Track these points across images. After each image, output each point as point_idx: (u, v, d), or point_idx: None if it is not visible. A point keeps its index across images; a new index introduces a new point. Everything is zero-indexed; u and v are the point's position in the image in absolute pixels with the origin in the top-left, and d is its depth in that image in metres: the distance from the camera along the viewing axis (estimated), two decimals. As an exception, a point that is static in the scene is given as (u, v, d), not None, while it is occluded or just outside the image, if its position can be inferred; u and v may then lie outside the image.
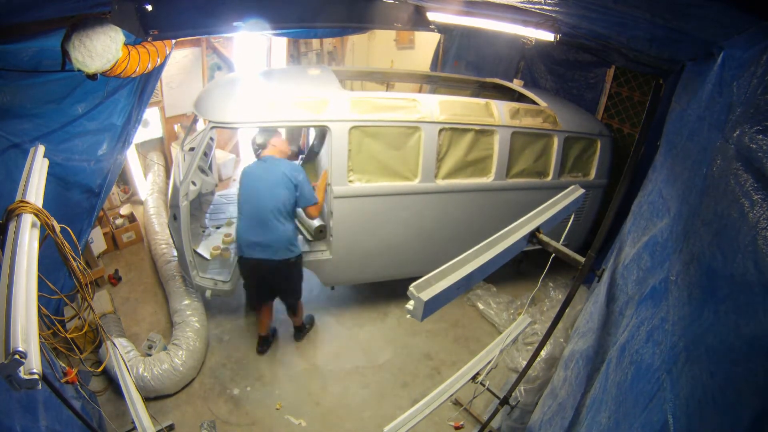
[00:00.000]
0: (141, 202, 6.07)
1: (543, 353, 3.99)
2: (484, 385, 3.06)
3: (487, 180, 4.32)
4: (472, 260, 1.80)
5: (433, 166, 4.06)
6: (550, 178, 4.58)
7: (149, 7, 2.27)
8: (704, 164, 1.42)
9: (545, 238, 2.19)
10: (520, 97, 5.18)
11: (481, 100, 4.34)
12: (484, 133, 4.17)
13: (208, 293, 4.08)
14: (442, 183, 4.16)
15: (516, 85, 5.35)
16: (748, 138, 1.05)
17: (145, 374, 3.48)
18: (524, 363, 4.02)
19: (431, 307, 1.63)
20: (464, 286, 1.76)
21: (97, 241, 4.99)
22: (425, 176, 4.06)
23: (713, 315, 1.00)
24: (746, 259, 0.90)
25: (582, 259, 2.14)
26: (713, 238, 1.14)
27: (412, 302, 1.64)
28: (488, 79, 5.71)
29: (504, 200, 4.48)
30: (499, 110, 4.23)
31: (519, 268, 5.44)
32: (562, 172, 4.65)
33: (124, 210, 5.62)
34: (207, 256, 4.39)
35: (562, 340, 4.04)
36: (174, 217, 3.94)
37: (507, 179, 4.38)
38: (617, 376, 1.65)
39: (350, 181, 3.89)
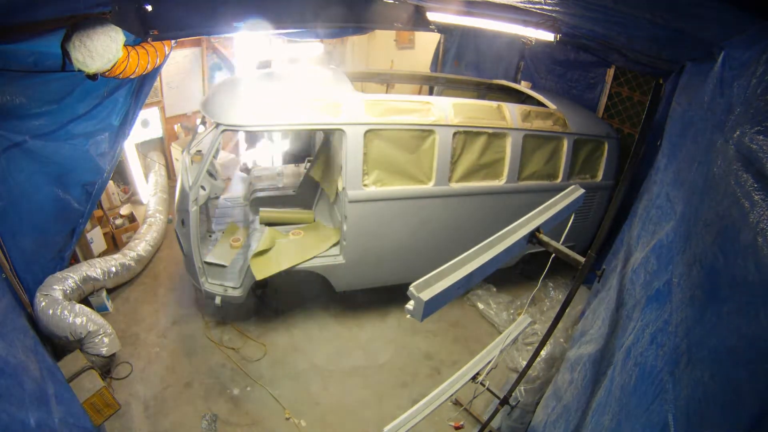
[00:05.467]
0: (141, 202, 6.07)
1: (543, 353, 3.99)
2: (484, 385, 3.06)
3: (500, 183, 4.30)
4: (472, 260, 1.80)
5: (447, 170, 4.04)
6: (559, 180, 4.57)
7: (149, 7, 2.27)
8: (705, 165, 1.42)
9: (545, 239, 2.19)
10: (527, 99, 5.15)
11: (493, 103, 4.29)
12: (497, 136, 4.12)
13: (218, 300, 3.99)
14: (455, 186, 4.14)
15: (524, 87, 5.35)
16: (748, 138, 1.05)
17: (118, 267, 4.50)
18: (524, 363, 4.02)
19: (431, 307, 1.63)
20: (464, 286, 1.76)
21: (97, 241, 4.99)
22: (439, 179, 4.03)
23: (715, 317, 1.00)
24: (747, 260, 0.90)
25: (582, 260, 2.14)
26: (714, 239, 1.13)
27: (412, 302, 1.64)
28: (495, 81, 5.68)
29: (515, 203, 4.44)
30: (511, 113, 4.20)
31: (523, 271, 5.42)
32: (571, 174, 4.63)
33: (124, 210, 5.62)
34: (223, 263, 4.35)
35: (562, 340, 4.04)
36: (182, 222, 3.83)
37: (518, 182, 4.36)
38: (622, 378, 1.65)
39: (365, 185, 3.82)
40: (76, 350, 3.58)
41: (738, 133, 1.12)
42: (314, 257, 4.13)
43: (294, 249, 4.15)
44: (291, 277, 5.15)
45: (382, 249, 4.21)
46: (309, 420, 3.63)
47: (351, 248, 4.09)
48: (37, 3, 2.40)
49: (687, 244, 1.40)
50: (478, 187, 4.26)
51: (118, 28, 2.99)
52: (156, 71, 3.94)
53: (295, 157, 6.22)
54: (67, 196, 3.94)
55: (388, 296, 4.91)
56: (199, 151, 4.43)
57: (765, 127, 0.99)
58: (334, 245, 4.28)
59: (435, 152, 3.94)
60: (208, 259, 4.32)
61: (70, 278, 3.99)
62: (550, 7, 2.80)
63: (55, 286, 3.83)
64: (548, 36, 3.85)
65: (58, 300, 3.71)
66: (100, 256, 4.81)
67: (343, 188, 3.82)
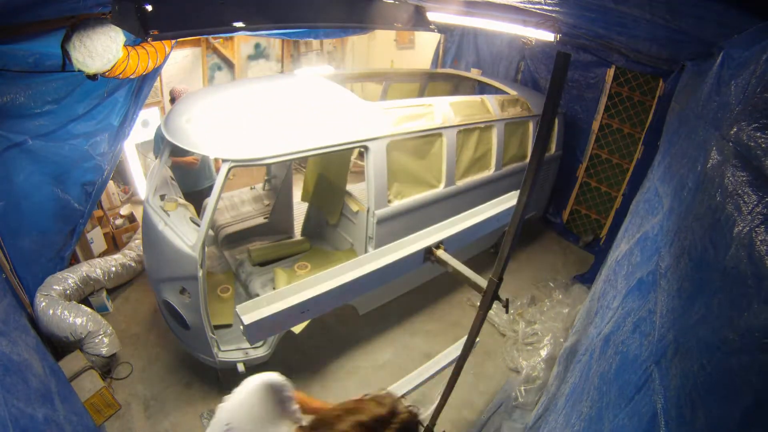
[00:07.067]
0: (141, 202, 6.08)
1: (543, 353, 4.00)
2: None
3: (490, 173, 4.52)
4: (314, 285, 1.61)
5: (453, 169, 4.09)
6: (528, 159, 4.79)
7: (149, 7, 2.27)
8: (700, 161, 1.43)
9: (444, 257, 1.87)
10: (480, 85, 5.65)
11: (477, 97, 4.46)
12: (486, 128, 4.32)
13: (241, 367, 3.43)
14: (460, 184, 4.22)
15: (474, 74, 5.70)
16: (746, 136, 1.06)
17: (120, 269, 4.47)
18: (524, 363, 4.03)
19: (261, 330, 1.51)
20: (316, 309, 1.60)
21: (97, 241, 5.00)
22: (448, 180, 4.07)
23: (704, 307, 1.01)
24: (740, 253, 0.91)
25: (484, 284, 1.83)
26: (705, 231, 1.15)
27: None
28: (439, 70, 6.03)
29: (500, 188, 4.70)
30: (492, 105, 4.43)
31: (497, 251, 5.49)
32: None
33: (124, 210, 5.62)
34: (226, 321, 3.70)
35: (562, 340, 4.04)
36: (183, 291, 3.19)
37: (502, 168, 4.65)
38: (600, 366, 1.65)
39: (389, 201, 3.68)
40: (77, 350, 3.58)
41: (736, 130, 1.13)
42: None
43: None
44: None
45: None
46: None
47: None
48: (37, 3, 2.41)
49: (675, 237, 1.41)
50: (476, 180, 4.40)
51: (118, 28, 3.00)
52: (156, 71, 3.94)
53: None
54: (67, 196, 3.95)
55: (388, 296, 4.91)
56: (164, 195, 3.55)
57: (763, 124, 1.00)
58: None
59: (443, 154, 3.95)
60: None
61: (70, 278, 3.99)
62: (550, 7, 2.81)
63: (55, 286, 3.83)
64: (548, 36, 3.85)
65: (59, 300, 3.71)
66: (100, 256, 4.82)
67: (368, 209, 3.61)
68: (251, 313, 1.51)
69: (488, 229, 2.13)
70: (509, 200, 2.19)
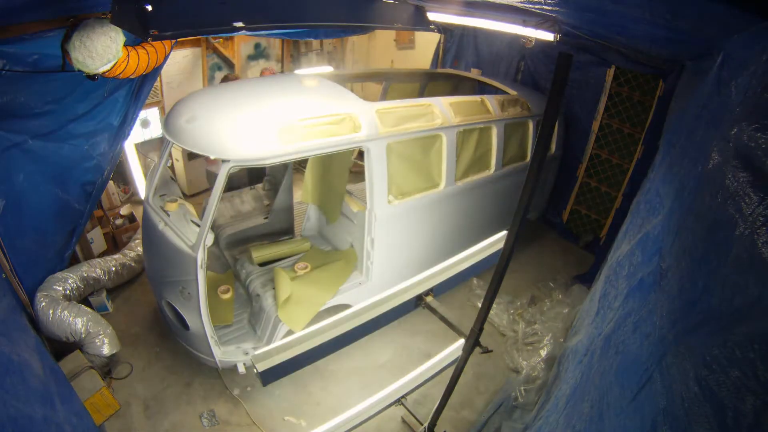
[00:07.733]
0: (141, 202, 6.07)
1: (543, 353, 4.00)
2: (406, 407, 2.96)
3: (489, 173, 4.51)
4: (317, 336, 1.87)
5: (453, 170, 4.09)
6: (528, 159, 4.89)
7: (149, 7, 2.27)
8: (700, 162, 1.42)
9: (433, 303, 2.11)
10: (480, 85, 5.63)
11: (477, 97, 4.45)
12: (486, 129, 4.32)
13: (241, 367, 3.42)
14: (460, 184, 4.22)
15: (475, 74, 5.72)
16: (746, 136, 1.05)
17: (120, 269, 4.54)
18: (524, 363, 4.03)
19: (272, 375, 1.77)
20: (317, 355, 1.88)
21: (97, 241, 4.99)
22: (448, 180, 4.07)
23: (705, 308, 1.01)
24: (742, 253, 0.91)
25: (465, 334, 2.11)
26: (706, 232, 1.14)
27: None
28: (440, 70, 6.02)
29: (500, 188, 4.76)
30: (492, 105, 4.41)
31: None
32: None
33: (124, 210, 5.62)
34: (226, 322, 3.73)
35: (562, 340, 4.04)
36: (183, 291, 3.18)
37: (502, 169, 4.64)
38: (601, 366, 1.66)
39: (389, 202, 3.69)
40: (76, 350, 3.59)
41: (736, 130, 1.13)
42: (340, 288, 3.81)
43: (315, 286, 3.75)
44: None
45: (401, 258, 4.14)
46: (309, 420, 3.62)
47: (377, 268, 3.92)
48: (37, 3, 2.41)
49: (676, 238, 1.41)
50: (476, 180, 4.40)
51: (118, 28, 3.00)
52: (156, 71, 3.94)
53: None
54: (67, 196, 3.95)
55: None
56: (163, 195, 3.54)
57: (763, 125, 1.00)
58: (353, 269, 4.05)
59: (444, 155, 3.95)
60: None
61: (70, 278, 3.99)
62: (550, 7, 2.81)
63: (55, 286, 3.83)
64: (548, 36, 3.85)
65: (59, 300, 3.71)
66: (100, 256, 4.82)
67: (368, 209, 3.64)
68: (264, 361, 1.74)
69: (476, 272, 2.33)
70: (497, 243, 2.33)
